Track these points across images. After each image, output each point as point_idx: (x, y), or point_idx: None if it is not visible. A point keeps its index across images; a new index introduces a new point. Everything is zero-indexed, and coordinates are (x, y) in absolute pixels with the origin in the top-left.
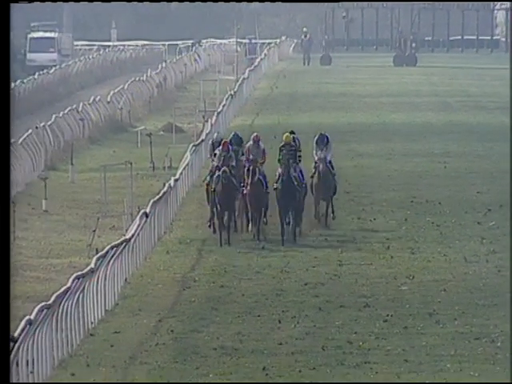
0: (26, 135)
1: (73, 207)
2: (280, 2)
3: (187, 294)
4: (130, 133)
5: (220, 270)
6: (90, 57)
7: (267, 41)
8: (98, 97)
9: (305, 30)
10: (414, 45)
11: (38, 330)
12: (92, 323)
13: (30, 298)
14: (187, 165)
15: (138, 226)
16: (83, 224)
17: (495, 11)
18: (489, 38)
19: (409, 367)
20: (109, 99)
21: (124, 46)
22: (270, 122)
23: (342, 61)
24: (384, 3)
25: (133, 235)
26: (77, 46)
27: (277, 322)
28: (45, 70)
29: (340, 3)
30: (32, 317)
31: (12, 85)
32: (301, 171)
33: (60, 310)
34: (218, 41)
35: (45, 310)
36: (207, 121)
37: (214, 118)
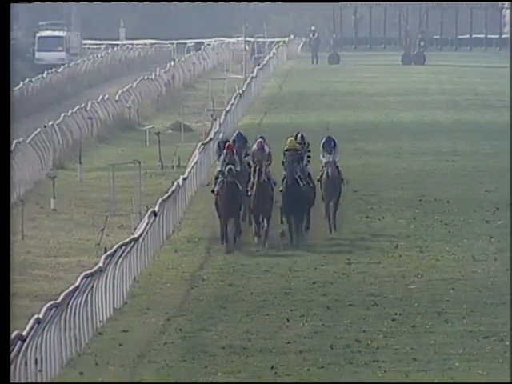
0: (34, 134)
1: (81, 206)
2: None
3: (195, 293)
4: (139, 131)
5: (228, 269)
6: (99, 55)
7: (276, 39)
8: (107, 95)
9: (313, 28)
10: (422, 43)
11: (46, 329)
12: (100, 322)
13: (39, 296)
14: (196, 163)
15: (147, 224)
16: (91, 223)
17: (503, 10)
18: (497, 36)
19: (417, 366)
20: (117, 98)
21: (132, 44)
22: (278, 120)
23: (350, 59)
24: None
25: (141, 234)
26: (85, 44)
27: (285, 321)
28: (53, 69)
29: (349, 2)
30: (40, 315)
31: (20, 84)
32: (309, 174)
33: (68, 309)
34: (227, 39)
35: (53, 309)
36: (215, 119)
37: (223, 116)
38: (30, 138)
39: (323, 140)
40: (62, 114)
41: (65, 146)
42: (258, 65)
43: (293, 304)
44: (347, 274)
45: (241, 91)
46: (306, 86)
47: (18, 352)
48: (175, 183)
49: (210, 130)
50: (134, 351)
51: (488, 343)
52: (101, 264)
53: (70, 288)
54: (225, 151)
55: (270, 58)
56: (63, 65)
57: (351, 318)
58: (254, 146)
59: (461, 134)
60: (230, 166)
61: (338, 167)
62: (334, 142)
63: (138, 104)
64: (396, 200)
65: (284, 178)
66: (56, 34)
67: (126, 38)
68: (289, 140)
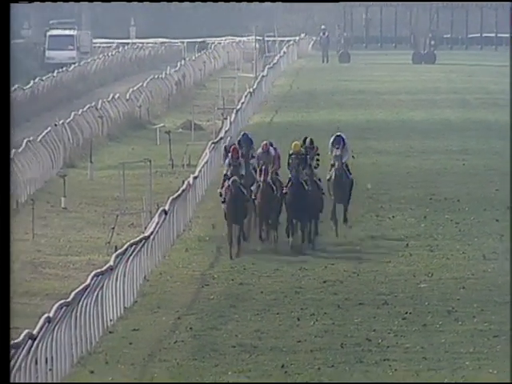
0: (45, 133)
1: (92, 204)
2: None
3: (206, 292)
4: (149, 130)
5: (239, 268)
6: (109, 54)
7: (286, 38)
8: (117, 94)
9: (323, 27)
10: (432, 42)
11: (56, 328)
12: (111, 320)
13: (49, 295)
14: (206, 162)
15: (157, 223)
16: (102, 221)
17: None
18: (507, 35)
19: (427, 365)
20: (128, 97)
21: (143, 43)
22: (288, 119)
23: (360, 58)
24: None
25: (152, 233)
26: (95, 43)
27: (296, 320)
28: (64, 68)
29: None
30: (51, 314)
31: (31, 82)
32: (319, 179)
33: (79, 308)
34: (237, 38)
35: (64, 308)
36: (226, 118)
37: (233, 115)
38: (40, 137)
39: (332, 138)
40: (73, 113)
41: (75, 144)
42: (269, 63)
43: (303, 303)
44: (357, 272)
45: (251, 90)
46: (316, 84)
47: (29, 351)
48: (186, 182)
49: (221, 128)
50: (145, 350)
51: (498, 342)
52: (111, 263)
53: (81, 287)
54: (230, 154)
55: (280, 56)
56: (74, 63)
57: (361, 317)
58: (260, 149)
59: (471, 132)
60: (234, 177)
61: (347, 166)
62: (343, 140)
63: (148, 103)
64: (406, 199)
65: (289, 181)
66: (67, 32)
67: (137, 37)
68: (293, 144)
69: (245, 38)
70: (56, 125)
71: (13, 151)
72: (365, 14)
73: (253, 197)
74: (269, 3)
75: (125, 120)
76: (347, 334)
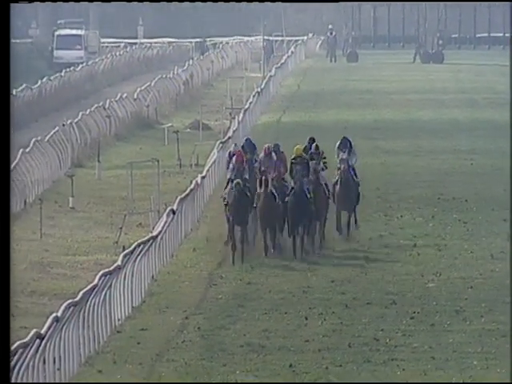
0: (52, 132)
1: (99, 204)
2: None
3: (214, 291)
4: (157, 130)
5: (247, 267)
6: (117, 54)
7: (294, 38)
8: (125, 94)
9: (330, 27)
10: (440, 42)
11: (64, 327)
12: (119, 320)
13: (57, 295)
14: (214, 162)
15: (165, 223)
16: (110, 221)
17: None
18: None
19: (435, 364)
20: (135, 96)
21: (151, 43)
22: (296, 119)
23: (368, 58)
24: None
25: (159, 232)
26: (103, 43)
27: (303, 319)
28: (71, 68)
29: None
30: (59, 314)
31: (39, 82)
32: (326, 184)
33: (87, 307)
34: (245, 38)
35: (72, 307)
36: (234, 118)
37: (241, 115)
38: (48, 137)
39: (338, 141)
40: (81, 113)
41: (83, 144)
42: (276, 63)
43: (311, 302)
44: (365, 272)
45: (259, 90)
46: (324, 84)
47: (37, 350)
48: (193, 182)
49: (229, 128)
50: (153, 349)
51: (506, 342)
52: (119, 262)
53: (89, 286)
54: (234, 158)
55: (288, 56)
56: (82, 63)
57: (369, 317)
58: (262, 154)
59: (479, 132)
60: (237, 180)
61: (354, 169)
62: (350, 143)
63: (156, 102)
64: (414, 198)
65: (291, 189)
66: (74, 32)
67: (145, 37)
68: (295, 148)
69: (252, 38)
70: (64, 125)
71: (20, 151)
72: (373, 13)
73: (254, 205)
74: (278, 3)
75: (133, 120)
76: (355, 333)
